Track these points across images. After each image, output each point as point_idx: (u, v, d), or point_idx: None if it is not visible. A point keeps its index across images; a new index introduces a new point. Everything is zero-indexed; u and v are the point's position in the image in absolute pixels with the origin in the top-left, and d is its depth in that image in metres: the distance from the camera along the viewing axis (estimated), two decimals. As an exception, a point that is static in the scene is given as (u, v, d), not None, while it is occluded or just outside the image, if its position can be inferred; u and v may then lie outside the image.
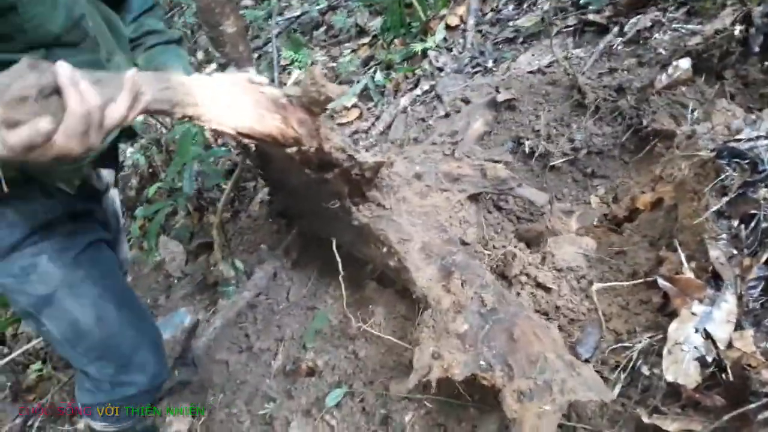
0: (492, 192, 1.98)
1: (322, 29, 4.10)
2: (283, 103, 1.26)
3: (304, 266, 2.28)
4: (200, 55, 4.54)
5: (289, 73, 3.50)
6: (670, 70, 2.10)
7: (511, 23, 2.98)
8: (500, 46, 2.91)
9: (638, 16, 2.28)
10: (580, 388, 1.24)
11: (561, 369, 1.26)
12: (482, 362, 1.31)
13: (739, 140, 1.41)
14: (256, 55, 4.09)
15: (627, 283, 1.63)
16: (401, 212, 1.74)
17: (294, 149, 1.36)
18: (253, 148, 1.79)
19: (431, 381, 1.32)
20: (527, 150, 2.27)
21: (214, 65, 3.73)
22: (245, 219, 2.73)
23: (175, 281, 2.71)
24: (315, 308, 2.05)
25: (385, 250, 1.66)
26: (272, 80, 3.23)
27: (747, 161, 1.39)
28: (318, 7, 4.21)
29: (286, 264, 2.28)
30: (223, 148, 2.83)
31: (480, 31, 3.07)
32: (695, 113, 2.01)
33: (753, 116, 1.48)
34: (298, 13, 4.28)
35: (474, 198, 1.96)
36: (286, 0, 5.03)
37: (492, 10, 3.13)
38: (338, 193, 1.65)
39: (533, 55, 2.71)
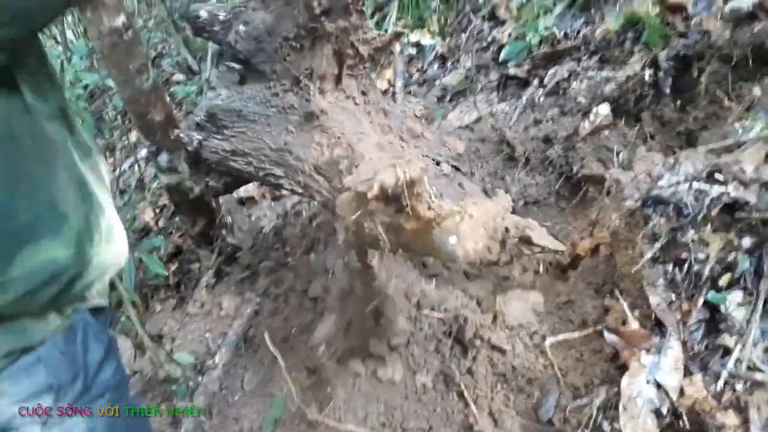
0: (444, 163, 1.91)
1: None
2: None
3: (258, 350, 2.21)
4: (133, 137, 4.48)
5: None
6: (591, 116, 2.19)
7: (437, 82, 3.07)
8: (430, 106, 2.99)
9: (555, 68, 2.39)
10: (537, 233, 1.21)
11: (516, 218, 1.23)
12: (434, 190, 1.17)
13: (661, 187, 1.47)
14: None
15: (578, 334, 1.65)
16: (365, 116, 1.54)
17: None
18: None
19: (375, 190, 1.11)
20: (467, 206, 2.31)
21: (144, 151, 3.68)
22: (192, 305, 2.65)
23: (127, 380, 2.58)
24: (272, 395, 1.99)
25: (333, 141, 1.42)
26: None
27: (671, 206, 1.44)
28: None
29: (239, 350, 2.21)
30: (160, 237, 2.77)
31: (409, 92, 3.14)
32: (620, 156, 2.09)
33: (671, 160, 1.55)
34: (229, 88, 4.29)
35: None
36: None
37: (418, 70, 3.22)
38: (312, 71, 1.44)
39: (462, 111, 2.78)
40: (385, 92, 3.19)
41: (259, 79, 1.53)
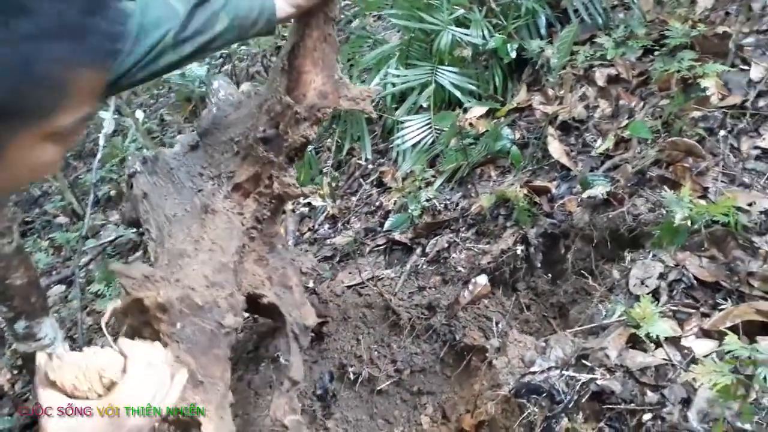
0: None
1: (139, 252, 3.97)
2: None
3: None
4: None
5: (98, 312, 3.26)
6: (470, 286, 2.25)
7: (328, 241, 3.10)
8: (320, 264, 2.98)
9: (436, 237, 2.48)
10: None
11: None
12: None
13: (534, 373, 1.49)
14: (62, 288, 3.81)
15: None
16: (242, 236, 1.70)
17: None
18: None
19: None
20: (352, 377, 2.24)
21: None
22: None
23: None
24: None
25: (201, 236, 1.59)
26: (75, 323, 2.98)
27: (544, 394, 1.45)
28: (134, 231, 4.11)
29: None
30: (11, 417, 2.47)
31: (300, 251, 3.14)
32: (499, 325, 2.15)
33: (542, 344, 1.59)
34: (112, 237, 4.13)
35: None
36: (105, 216, 4.87)
37: (309, 229, 3.25)
38: (233, 176, 1.64)
39: (350, 272, 2.79)
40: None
41: (203, 155, 1.75)
